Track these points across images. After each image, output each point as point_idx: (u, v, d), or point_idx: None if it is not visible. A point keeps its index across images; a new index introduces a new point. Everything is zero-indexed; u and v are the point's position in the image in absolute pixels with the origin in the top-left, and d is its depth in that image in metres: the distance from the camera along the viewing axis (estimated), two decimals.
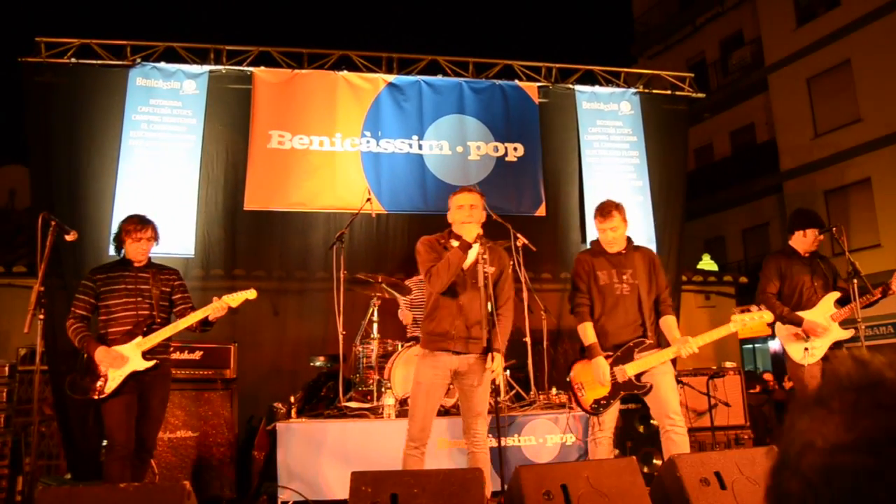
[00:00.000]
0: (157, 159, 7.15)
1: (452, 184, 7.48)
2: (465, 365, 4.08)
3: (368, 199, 6.68)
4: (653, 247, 7.86)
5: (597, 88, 8.45)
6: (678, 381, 5.52)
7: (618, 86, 8.56)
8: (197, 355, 5.75)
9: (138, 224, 4.48)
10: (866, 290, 4.89)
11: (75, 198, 6.98)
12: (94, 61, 7.36)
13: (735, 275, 11.48)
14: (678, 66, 16.86)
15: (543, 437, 5.35)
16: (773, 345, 15.86)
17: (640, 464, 4.19)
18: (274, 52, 7.83)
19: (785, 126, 16.88)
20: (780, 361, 5.41)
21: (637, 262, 4.49)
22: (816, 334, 4.97)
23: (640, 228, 7.71)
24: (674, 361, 4.61)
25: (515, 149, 8.02)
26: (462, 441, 4.28)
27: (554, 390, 5.95)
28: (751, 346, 18.04)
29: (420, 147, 7.81)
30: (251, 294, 4.52)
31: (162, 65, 7.46)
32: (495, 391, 5.82)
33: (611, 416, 4.40)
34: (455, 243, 4.11)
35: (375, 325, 6.00)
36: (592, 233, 7.61)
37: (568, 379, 4.58)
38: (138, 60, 7.42)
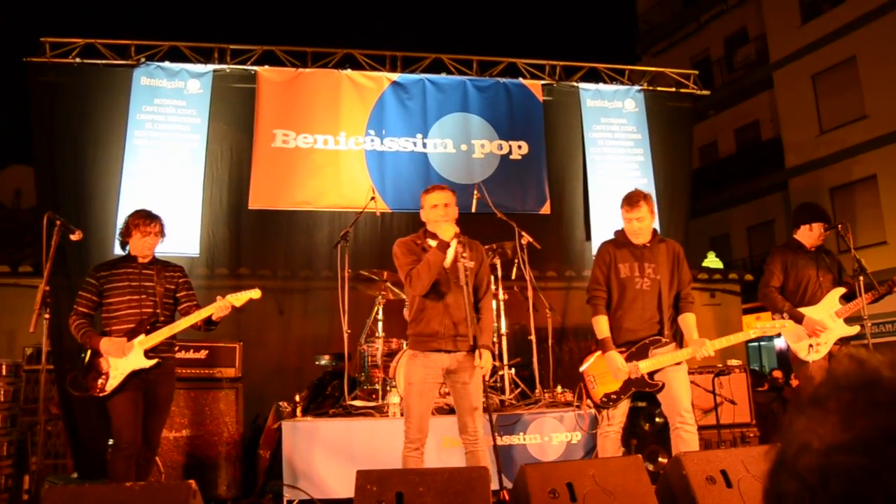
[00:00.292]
0: (162, 159, 7.16)
1: (457, 182, 7.48)
2: (454, 363, 4.09)
3: (373, 198, 6.67)
4: None
5: (601, 86, 8.43)
6: None
7: (622, 83, 8.54)
8: (202, 354, 5.75)
9: (146, 218, 4.45)
10: (872, 287, 4.86)
11: (80, 197, 6.99)
12: (98, 61, 7.37)
13: (740, 272, 11.43)
14: (682, 64, 16.81)
15: (549, 436, 5.34)
16: (779, 342, 15.83)
17: (646, 462, 4.19)
18: (278, 51, 7.84)
19: (790, 123, 16.83)
20: (786, 359, 5.40)
21: (661, 255, 4.42)
22: (815, 333, 4.95)
23: None
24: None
25: (520, 147, 8.01)
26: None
27: (559, 388, 5.94)
28: (756, 344, 18.01)
29: (424, 145, 7.81)
30: (255, 294, 4.49)
31: (166, 64, 7.47)
32: (496, 389, 5.86)
33: (621, 411, 4.39)
34: (432, 243, 4.10)
35: (380, 324, 6.00)
36: (596, 231, 7.62)
37: (581, 370, 4.56)
38: (143, 60, 7.43)
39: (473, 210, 6.45)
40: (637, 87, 8.50)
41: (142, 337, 4.32)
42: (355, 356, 6.15)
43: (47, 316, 4.04)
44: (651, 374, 4.30)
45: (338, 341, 6.13)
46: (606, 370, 4.37)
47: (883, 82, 14.65)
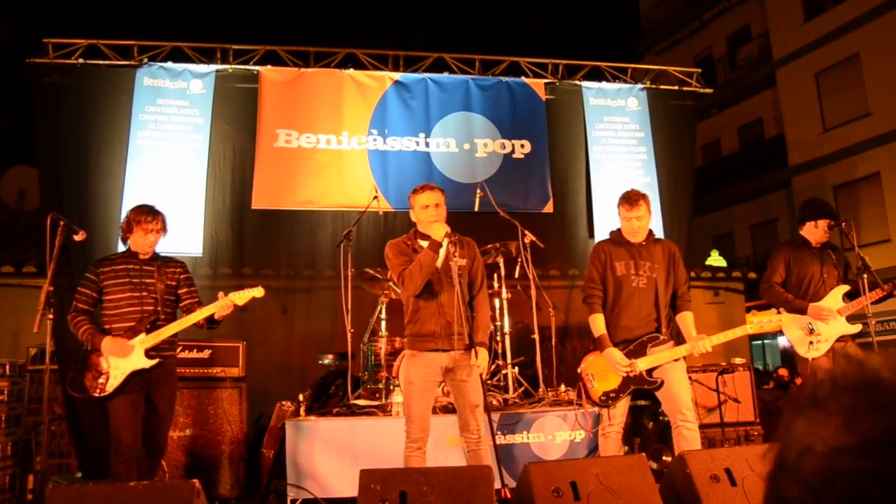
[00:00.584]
0: (165, 159, 7.17)
1: (460, 181, 7.49)
2: (452, 361, 4.10)
3: (375, 197, 6.68)
4: None
5: (604, 84, 8.42)
6: (688, 378, 5.51)
7: (625, 82, 8.53)
8: (206, 354, 5.76)
9: (148, 214, 4.38)
10: (876, 285, 4.84)
11: (84, 198, 7.01)
12: (101, 62, 7.39)
13: (744, 270, 11.41)
14: (685, 62, 16.79)
15: (552, 434, 5.33)
16: (783, 340, 15.79)
17: (650, 460, 4.18)
18: (280, 50, 7.84)
19: (793, 121, 16.79)
20: (790, 357, 5.39)
21: (657, 254, 4.45)
22: (822, 318, 4.92)
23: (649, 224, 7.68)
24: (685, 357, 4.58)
25: (522, 146, 8.00)
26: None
27: (563, 387, 5.94)
28: (760, 342, 17.98)
29: (427, 145, 7.81)
30: (258, 292, 4.46)
31: (169, 64, 7.48)
32: (499, 388, 5.85)
33: (620, 410, 4.38)
34: (423, 243, 4.11)
35: (384, 323, 6.00)
36: (600, 229, 7.61)
37: (578, 370, 4.56)
38: (145, 60, 7.45)
39: (476, 209, 6.45)
40: (640, 86, 8.49)
41: (142, 336, 4.25)
42: (358, 355, 6.15)
43: (51, 316, 4.02)
44: (649, 372, 4.29)
45: (341, 340, 6.13)
46: (604, 369, 4.37)
47: (886, 79, 14.61)
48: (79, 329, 4.25)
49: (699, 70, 8.87)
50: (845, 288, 5.05)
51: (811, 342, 4.95)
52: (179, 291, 4.52)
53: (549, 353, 6.31)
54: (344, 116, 7.71)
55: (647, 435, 5.85)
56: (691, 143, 8.73)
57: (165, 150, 7.20)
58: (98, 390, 4.16)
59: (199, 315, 4.32)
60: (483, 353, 4.02)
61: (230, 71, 7.65)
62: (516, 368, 6.06)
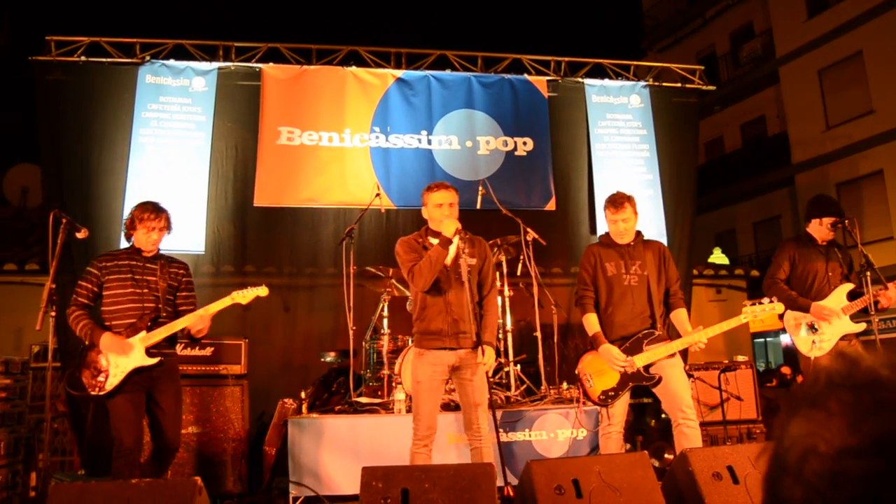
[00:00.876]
0: (167, 156, 7.18)
1: (462, 179, 7.48)
2: (459, 360, 4.10)
3: (378, 195, 6.68)
4: (663, 241, 7.82)
5: (606, 82, 8.41)
6: (690, 376, 5.50)
7: (627, 79, 8.52)
8: (208, 351, 5.76)
9: (152, 212, 4.32)
10: (880, 283, 4.83)
11: (86, 195, 7.02)
12: (103, 59, 7.40)
13: (746, 268, 11.41)
14: (688, 59, 16.72)
15: (554, 432, 5.33)
16: (785, 338, 15.77)
17: (652, 458, 4.18)
18: (282, 48, 7.84)
19: (796, 118, 16.74)
20: (792, 355, 5.37)
21: (647, 254, 4.48)
22: (824, 318, 4.90)
23: (651, 222, 7.68)
24: (684, 355, 4.58)
25: (525, 143, 8.00)
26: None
27: (565, 385, 5.94)
28: (762, 339, 17.94)
29: (429, 142, 7.81)
30: (263, 291, 4.43)
31: (171, 62, 7.49)
32: (502, 386, 5.85)
33: (620, 409, 4.38)
34: (434, 241, 4.10)
35: (385, 321, 6.00)
36: (602, 227, 7.59)
37: (576, 371, 4.57)
38: (148, 58, 7.45)
39: (478, 206, 6.45)
40: (642, 83, 8.47)
41: (143, 333, 4.19)
42: (360, 353, 6.16)
43: (53, 313, 4.00)
44: (647, 368, 4.29)
45: (343, 338, 6.14)
46: (602, 368, 4.38)
47: (889, 77, 14.56)
48: (78, 324, 4.19)
49: (702, 67, 8.85)
50: (849, 286, 5.03)
51: (814, 341, 4.93)
52: (178, 293, 4.46)
53: (551, 350, 6.31)
54: (346, 114, 7.71)
55: (649, 433, 5.85)
56: (694, 141, 8.72)
57: (168, 148, 7.20)
58: (97, 388, 4.09)
59: (182, 323, 4.23)
60: (490, 352, 4.02)
61: (232, 68, 7.65)
62: (518, 366, 6.05)
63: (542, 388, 5.97)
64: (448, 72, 8.14)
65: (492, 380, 5.79)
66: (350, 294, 5.87)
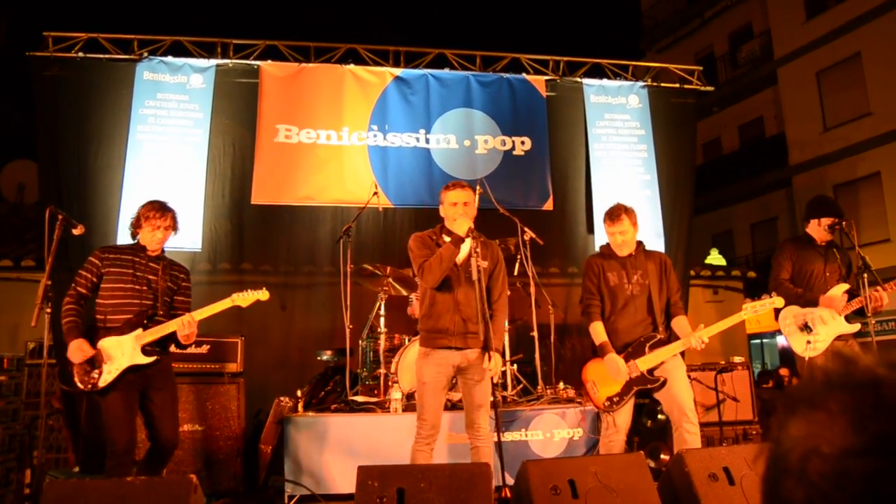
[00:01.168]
0: (165, 153, 7.16)
1: (460, 178, 7.45)
2: (465, 360, 4.08)
3: (375, 193, 6.67)
4: (661, 241, 7.84)
5: (605, 82, 8.40)
6: (686, 376, 5.50)
7: (626, 79, 8.52)
8: (204, 349, 5.75)
9: (158, 211, 4.29)
10: (876, 284, 4.83)
11: (83, 192, 7.00)
12: (101, 55, 7.38)
13: (743, 269, 11.43)
14: (686, 60, 16.71)
15: (551, 432, 5.33)
16: (781, 339, 15.78)
17: (648, 458, 4.18)
18: (281, 45, 7.83)
19: (794, 120, 16.77)
20: (789, 356, 5.37)
21: (648, 264, 4.52)
22: (835, 308, 4.90)
23: (649, 223, 7.68)
24: (682, 356, 4.59)
25: (523, 142, 7.99)
26: (464, 436, 4.27)
27: (561, 385, 5.94)
28: (759, 340, 17.97)
29: (427, 141, 7.80)
30: (263, 295, 4.39)
31: (169, 59, 7.46)
32: (495, 386, 5.84)
33: (624, 416, 4.38)
34: (447, 238, 4.10)
35: (382, 320, 5.99)
36: (600, 227, 7.58)
37: (581, 379, 4.57)
38: (145, 54, 7.43)
39: (476, 206, 6.43)
40: (641, 83, 8.47)
41: (139, 331, 4.15)
42: (357, 351, 6.15)
43: (49, 310, 3.98)
44: (651, 371, 4.31)
45: (340, 336, 6.13)
46: (605, 374, 4.38)
47: (888, 79, 14.59)
48: (65, 316, 4.12)
49: (700, 68, 8.85)
50: (845, 286, 5.03)
51: (808, 341, 4.94)
52: (175, 296, 4.43)
53: (547, 350, 6.31)
54: (344, 112, 7.70)
55: (645, 433, 5.84)
56: (692, 141, 8.73)
57: (165, 145, 7.19)
58: (90, 384, 4.05)
59: (171, 326, 4.18)
60: (497, 359, 4.00)
61: (230, 65, 7.63)
62: (515, 366, 6.05)
63: (539, 387, 5.97)
64: (446, 71, 8.13)
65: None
66: (347, 292, 5.86)
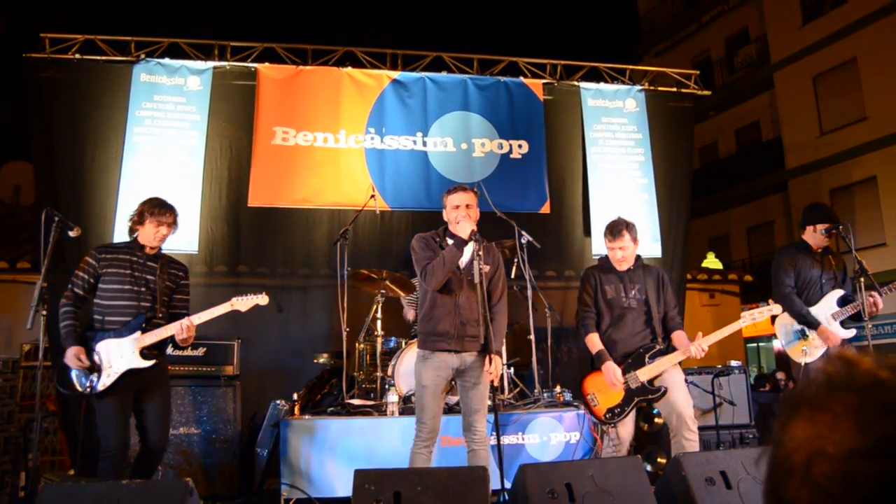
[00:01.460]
0: (161, 155, 7.14)
1: (457, 181, 7.46)
2: (463, 363, 4.08)
3: (372, 196, 6.66)
4: (658, 245, 7.84)
5: (602, 85, 8.42)
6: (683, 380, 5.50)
7: (623, 83, 8.52)
8: (200, 351, 5.74)
9: (161, 207, 4.27)
10: (873, 288, 4.85)
11: (79, 194, 6.98)
12: (98, 57, 7.35)
13: (740, 273, 11.44)
14: (683, 64, 16.78)
15: (547, 436, 5.33)
16: (777, 343, 15.81)
17: (644, 462, 4.17)
18: (278, 48, 7.82)
19: (790, 124, 16.82)
20: (786, 360, 5.38)
21: (647, 279, 4.54)
22: (829, 343, 4.91)
23: (645, 226, 7.68)
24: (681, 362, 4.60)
25: (520, 146, 7.99)
26: (461, 439, 4.26)
27: (558, 388, 5.93)
28: (755, 344, 18.00)
29: (424, 144, 7.80)
30: (262, 300, 4.39)
31: (166, 61, 7.45)
32: (495, 389, 5.83)
33: (626, 428, 4.38)
34: (450, 241, 4.10)
35: (379, 322, 5.98)
36: (597, 231, 7.60)
37: (580, 392, 4.58)
38: (142, 56, 7.41)
39: (478, 209, 6.42)
40: (638, 87, 8.48)
41: (137, 334, 4.14)
42: (354, 354, 6.14)
43: (44, 312, 3.97)
44: (651, 381, 4.32)
45: (336, 339, 6.11)
46: (605, 385, 4.38)
47: (883, 84, 14.64)
48: (63, 320, 4.11)
49: (697, 72, 8.86)
50: (839, 292, 5.05)
51: (804, 348, 4.95)
52: (174, 295, 4.42)
53: (544, 354, 6.30)
54: (341, 115, 7.69)
55: (642, 437, 5.84)
56: (689, 146, 8.73)
57: (162, 147, 7.17)
58: (88, 387, 4.04)
59: (168, 331, 4.16)
60: (497, 362, 3.99)
61: (228, 68, 7.62)
62: (512, 369, 6.04)
63: (536, 391, 5.96)
64: (444, 74, 8.13)
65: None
66: (344, 295, 5.84)
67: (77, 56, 7.28)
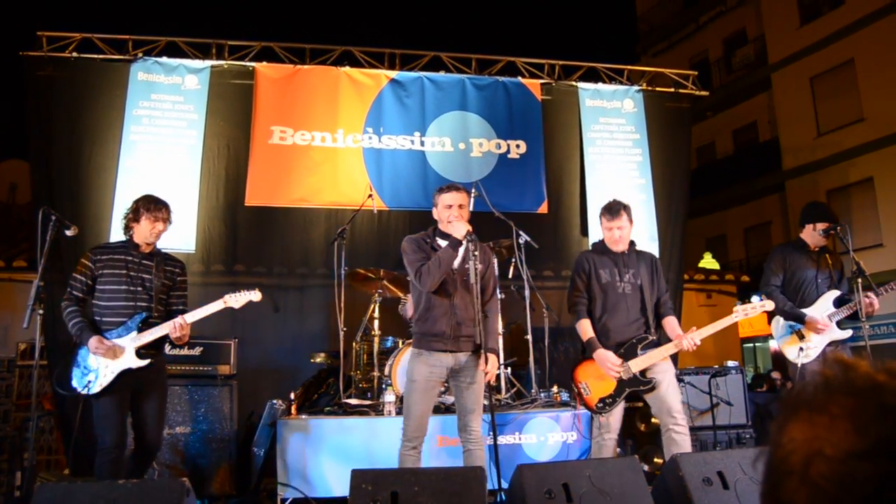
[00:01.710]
0: (159, 154, 7.13)
1: (455, 181, 7.44)
2: (458, 363, 4.07)
3: (370, 196, 6.66)
4: (655, 245, 7.85)
5: (600, 86, 8.42)
6: (680, 380, 5.51)
7: (621, 83, 8.53)
8: (197, 351, 5.73)
9: (157, 203, 4.30)
10: (871, 289, 4.85)
11: (76, 192, 6.96)
12: (95, 55, 7.34)
13: (737, 273, 11.46)
14: (681, 65, 16.82)
15: (544, 436, 5.33)
16: (774, 343, 15.84)
17: (642, 462, 4.17)
18: (276, 47, 7.81)
19: (787, 125, 16.83)
20: (781, 360, 5.38)
21: (640, 264, 4.54)
22: (817, 331, 4.94)
23: (643, 226, 7.69)
24: (674, 359, 4.60)
25: (518, 146, 7.99)
26: (457, 439, 4.25)
27: (555, 388, 5.93)
28: (751, 344, 18.03)
29: (422, 143, 7.79)
30: (255, 296, 4.39)
31: (164, 59, 7.44)
32: (492, 389, 5.83)
33: (616, 417, 4.38)
34: (441, 242, 4.08)
35: (376, 322, 5.98)
36: (594, 230, 7.61)
37: (572, 381, 4.56)
38: (140, 55, 7.40)
39: (471, 209, 6.40)
40: (636, 88, 8.48)
41: (134, 334, 4.16)
42: (351, 354, 6.13)
43: (41, 311, 3.97)
44: (643, 373, 4.31)
45: (333, 339, 6.11)
46: (597, 375, 4.37)
47: (881, 85, 14.66)
48: (70, 320, 4.14)
49: (695, 73, 8.86)
50: (835, 293, 5.05)
51: (801, 348, 4.95)
52: (172, 292, 4.43)
53: (541, 354, 6.30)
54: (339, 114, 7.68)
55: (639, 437, 5.84)
56: (687, 146, 8.74)
57: (159, 146, 7.16)
58: (86, 387, 4.06)
59: (163, 330, 4.18)
60: (493, 360, 3.99)
61: (225, 67, 7.61)
62: (509, 369, 6.04)
63: (533, 391, 5.96)
64: (442, 73, 8.13)
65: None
66: (341, 295, 5.84)
67: (74, 54, 7.26)
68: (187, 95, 7.36)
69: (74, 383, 4.11)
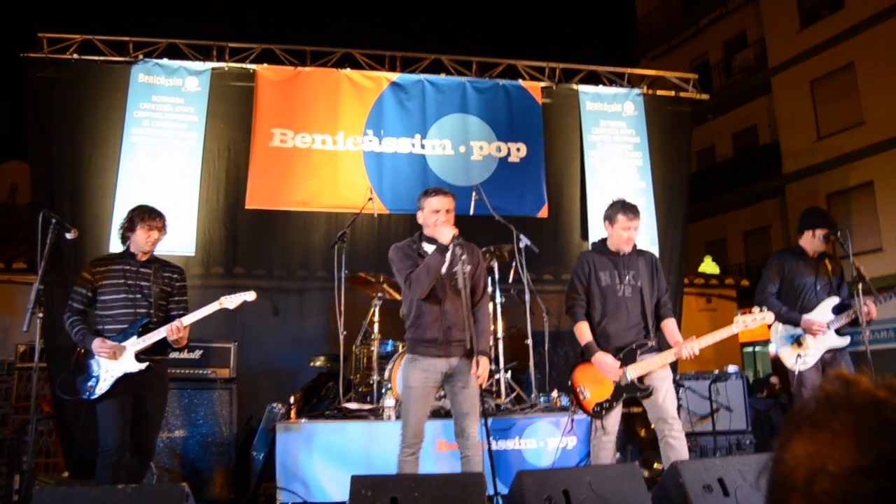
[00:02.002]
0: (159, 156, 7.12)
1: (455, 184, 7.45)
2: (451, 367, 4.06)
3: (370, 199, 6.64)
4: (655, 249, 7.83)
5: (600, 89, 8.41)
6: (680, 385, 5.50)
7: (621, 86, 8.52)
8: (196, 354, 5.72)
9: (151, 212, 4.38)
10: (870, 293, 4.85)
11: (76, 194, 6.95)
12: (96, 57, 7.33)
13: (736, 277, 11.47)
14: (681, 68, 16.79)
15: (544, 441, 5.31)
16: (773, 348, 15.84)
17: (641, 468, 4.17)
18: (277, 49, 7.80)
19: (788, 128, 16.84)
20: (780, 365, 5.38)
21: (640, 264, 4.48)
22: (813, 333, 4.93)
23: (643, 230, 7.63)
24: (674, 365, 4.58)
25: (518, 149, 7.99)
26: (455, 444, 4.24)
27: (555, 393, 5.92)
28: (751, 349, 18.02)
29: (423, 146, 7.78)
30: (250, 296, 4.43)
31: (164, 61, 7.43)
32: (492, 393, 5.82)
33: (613, 420, 4.37)
34: (427, 247, 4.07)
35: (376, 326, 5.97)
36: (594, 234, 7.59)
37: (570, 384, 4.54)
38: (141, 57, 7.39)
39: (471, 212, 6.42)
40: (636, 91, 8.48)
41: (133, 339, 4.21)
42: (351, 358, 6.12)
43: (41, 314, 3.99)
44: (640, 379, 4.29)
45: (333, 343, 6.10)
46: (595, 378, 4.36)
47: (880, 89, 14.67)
48: (73, 329, 4.23)
49: (696, 76, 8.86)
50: (835, 300, 5.04)
51: (799, 355, 4.95)
52: (171, 298, 4.49)
53: (542, 358, 6.29)
54: (340, 116, 7.68)
55: (639, 443, 5.83)
56: (687, 149, 8.74)
57: (160, 148, 7.15)
58: (87, 392, 4.13)
59: (160, 334, 4.22)
60: (484, 363, 3.98)
61: (226, 69, 7.60)
62: (509, 373, 6.03)
63: (533, 395, 5.95)
64: (443, 76, 8.12)
65: (484, 386, 5.78)
66: (341, 298, 5.83)
67: (75, 56, 7.25)
68: (188, 97, 7.36)
69: (77, 388, 4.16)
